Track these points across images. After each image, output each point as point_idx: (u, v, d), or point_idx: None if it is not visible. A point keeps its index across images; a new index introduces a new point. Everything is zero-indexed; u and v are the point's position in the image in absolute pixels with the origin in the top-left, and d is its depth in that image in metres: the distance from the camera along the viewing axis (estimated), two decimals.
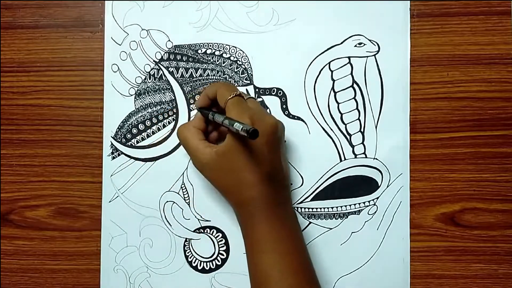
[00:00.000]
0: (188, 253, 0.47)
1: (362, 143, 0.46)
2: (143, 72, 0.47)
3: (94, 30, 0.47)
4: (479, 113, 0.46)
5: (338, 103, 0.46)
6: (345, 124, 0.46)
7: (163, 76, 0.47)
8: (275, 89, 0.47)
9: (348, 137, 0.46)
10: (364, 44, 0.46)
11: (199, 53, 0.47)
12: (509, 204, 0.46)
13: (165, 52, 0.47)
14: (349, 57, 0.46)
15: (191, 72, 0.47)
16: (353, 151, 0.46)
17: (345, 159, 0.46)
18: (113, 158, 0.47)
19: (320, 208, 0.46)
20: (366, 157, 0.46)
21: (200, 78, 0.47)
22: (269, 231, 0.40)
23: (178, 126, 0.44)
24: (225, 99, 0.40)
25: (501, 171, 0.46)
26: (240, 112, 0.39)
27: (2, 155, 0.48)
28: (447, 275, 0.46)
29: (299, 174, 0.46)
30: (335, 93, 0.46)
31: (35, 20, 0.48)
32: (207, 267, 0.47)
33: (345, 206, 0.46)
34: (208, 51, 0.47)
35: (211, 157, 0.40)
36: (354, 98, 0.46)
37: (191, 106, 0.47)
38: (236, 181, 0.40)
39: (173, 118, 0.47)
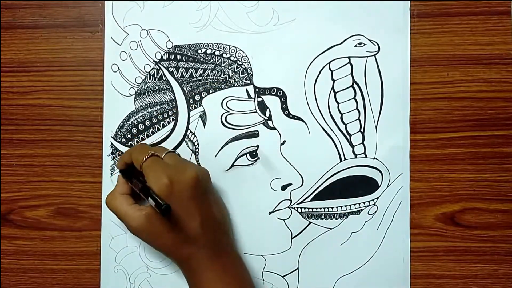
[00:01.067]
0: None
1: (362, 143, 0.46)
2: (143, 72, 0.47)
3: (94, 30, 0.47)
4: (479, 113, 0.46)
5: (338, 103, 0.46)
6: (345, 124, 0.46)
7: (163, 76, 0.47)
8: (275, 89, 0.47)
9: (348, 137, 0.46)
10: (364, 44, 0.46)
11: (199, 53, 0.47)
12: (509, 204, 0.46)
13: (165, 52, 0.47)
14: (349, 57, 0.46)
15: (191, 72, 0.47)
16: (353, 151, 0.46)
17: (345, 159, 0.46)
18: (113, 158, 0.47)
19: (320, 208, 0.46)
20: (366, 157, 0.46)
21: (200, 78, 0.47)
22: (215, 282, 0.40)
23: (106, 196, 0.43)
24: (139, 163, 0.40)
25: (501, 171, 0.46)
26: (157, 173, 0.39)
27: (2, 155, 0.48)
28: (447, 275, 0.46)
29: (299, 174, 0.46)
30: (335, 93, 0.46)
31: (35, 20, 0.48)
32: None
33: (345, 206, 0.46)
34: (208, 51, 0.47)
35: (141, 221, 0.39)
36: (354, 98, 0.46)
37: (191, 106, 0.47)
38: (171, 240, 0.39)
39: (173, 118, 0.47)
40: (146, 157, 0.40)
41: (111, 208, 0.42)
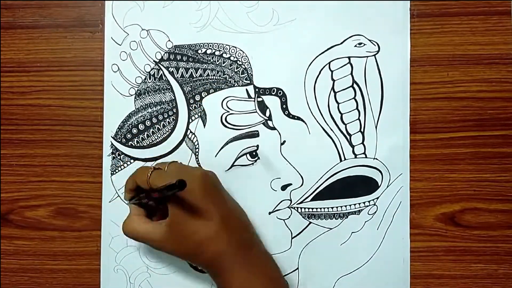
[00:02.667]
0: None
1: (362, 143, 0.46)
2: (143, 72, 0.47)
3: (94, 30, 0.47)
4: (479, 113, 0.46)
5: (338, 103, 0.46)
6: (345, 124, 0.46)
7: (163, 76, 0.47)
8: (275, 89, 0.47)
9: (348, 137, 0.46)
10: (364, 44, 0.46)
11: (199, 53, 0.47)
12: (509, 204, 0.46)
13: (165, 52, 0.47)
14: (349, 57, 0.46)
15: (191, 72, 0.47)
16: (353, 151, 0.46)
17: (345, 159, 0.46)
18: (113, 158, 0.47)
19: (320, 208, 0.46)
20: (366, 157, 0.46)
21: (200, 78, 0.47)
22: (247, 279, 0.39)
23: (122, 224, 0.42)
24: (145, 181, 0.40)
25: (501, 171, 0.46)
26: (165, 180, 0.39)
27: (2, 155, 0.48)
28: (447, 275, 0.46)
29: (299, 174, 0.46)
30: (335, 93, 0.46)
31: (35, 20, 0.48)
32: None
33: (345, 206, 0.46)
34: (208, 51, 0.47)
35: (163, 232, 0.39)
36: (354, 98, 0.46)
37: (191, 106, 0.47)
38: (196, 243, 0.39)
39: (173, 118, 0.47)
40: (150, 172, 0.40)
41: (130, 232, 0.41)
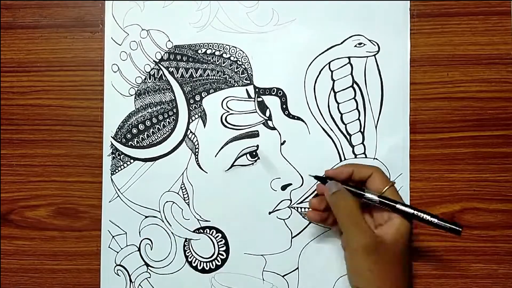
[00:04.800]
0: (188, 253, 0.47)
1: (362, 143, 0.46)
2: (143, 72, 0.47)
3: (94, 30, 0.47)
4: (479, 113, 0.46)
5: (338, 103, 0.46)
6: (345, 124, 0.46)
7: (163, 76, 0.47)
8: (275, 89, 0.47)
9: (348, 137, 0.46)
10: (364, 44, 0.46)
11: (199, 53, 0.47)
12: (509, 204, 0.46)
13: (165, 52, 0.47)
14: (349, 57, 0.46)
15: (191, 72, 0.47)
16: (353, 151, 0.46)
17: (345, 159, 0.46)
18: (113, 158, 0.47)
19: None
20: (366, 157, 0.46)
21: (200, 78, 0.47)
22: None
23: (329, 187, 0.40)
24: (381, 190, 0.39)
25: (501, 171, 0.46)
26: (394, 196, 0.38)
27: (2, 155, 0.48)
28: (447, 275, 0.46)
29: (299, 174, 0.46)
30: (335, 93, 0.46)
31: (35, 20, 0.48)
32: (207, 267, 0.47)
33: None
34: (208, 51, 0.47)
35: (366, 241, 0.37)
36: (354, 98, 0.46)
37: (191, 106, 0.47)
38: (394, 274, 0.37)
39: (173, 118, 0.47)
40: (389, 185, 0.39)
41: (342, 202, 0.39)
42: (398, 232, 0.38)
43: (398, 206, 0.38)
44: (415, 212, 0.38)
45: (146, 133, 0.47)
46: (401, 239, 0.38)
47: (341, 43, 0.46)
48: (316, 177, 0.42)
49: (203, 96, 0.47)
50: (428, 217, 0.37)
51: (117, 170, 0.47)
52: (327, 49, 0.46)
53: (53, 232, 0.48)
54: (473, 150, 0.46)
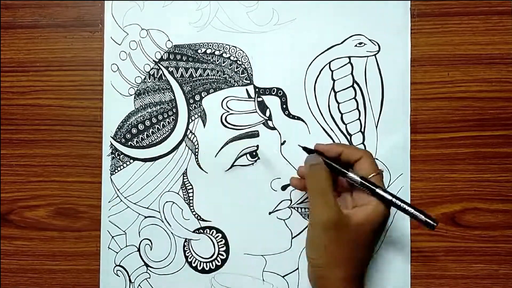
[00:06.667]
0: (188, 253, 0.47)
1: (363, 143, 0.46)
2: (143, 72, 0.47)
3: (94, 30, 0.47)
4: (480, 113, 0.46)
5: (338, 103, 0.46)
6: (346, 124, 0.46)
7: (162, 76, 0.47)
8: (275, 89, 0.46)
9: (349, 137, 0.46)
10: (365, 44, 0.46)
11: (199, 53, 0.47)
12: (510, 204, 0.46)
13: (165, 52, 0.47)
14: (349, 57, 0.46)
15: (191, 72, 0.47)
16: None
17: None
18: (113, 158, 0.47)
19: None
20: None
21: (200, 78, 0.47)
22: None
23: (308, 159, 0.40)
24: (370, 174, 0.39)
25: (502, 171, 0.46)
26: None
27: (1, 155, 0.48)
28: (448, 276, 0.46)
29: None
30: (335, 93, 0.46)
31: (35, 20, 0.48)
32: (207, 267, 0.47)
33: None
34: (208, 51, 0.47)
35: (327, 218, 0.36)
36: (355, 98, 0.46)
37: (191, 106, 0.47)
38: (334, 262, 0.37)
39: (172, 118, 0.47)
40: (373, 174, 0.39)
41: (317, 176, 0.38)
42: (367, 217, 0.37)
43: (377, 190, 0.38)
44: (393, 199, 0.37)
45: (145, 133, 0.47)
46: (369, 225, 0.37)
47: (342, 42, 0.46)
48: (305, 149, 0.42)
49: (203, 96, 0.47)
50: (405, 206, 0.37)
51: (116, 170, 0.47)
52: (328, 49, 0.46)
53: (53, 233, 0.47)
54: (473, 150, 0.46)
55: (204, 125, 0.47)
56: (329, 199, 0.37)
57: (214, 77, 0.47)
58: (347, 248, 0.37)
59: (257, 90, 0.47)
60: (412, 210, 0.37)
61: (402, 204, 0.37)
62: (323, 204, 0.37)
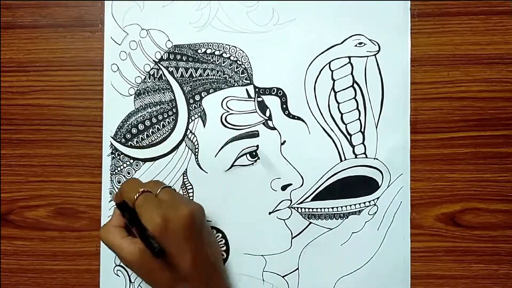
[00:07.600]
0: None
1: (363, 143, 0.46)
2: (143, 72, 0.47)
3: (94, 30, 0.47)
4: (480, 113, 0.46)
5: (338, 103, 0.46)
6: (346, 124, 0.46)
7: (162, 76, 0.47)
8: (275, 89, 0.46)
9: (349, 137, 0.46)
10: (365, 44, 0.46)
11: (199, 53, 0.47)
12: (510, 204, 0.46)
13: (165, 52, 0.47)
14: (349, 57, 0.46)
15: (191, 72, 0.47)
16: (353, 151, 0.46)
17: (345, 159, 0.46)
18: (113, 158, 0.47)
19: (320, 208, 0.46)
20: (366, 157, 0.46)
21: (200, 78, 0.47)
22: None
23: (101, 228, 0.42)
24: (132, 201, 0.39)
25: (502, 171, 0.46)
26: (150, 213, 0.38)
27: (2, 155, 0.48)
28: (448, 276, 0.46)
29: (299, 174, 0.46)
30: (335, 93, 0.46)
31: (35, 20, 0.48)
32: None
33: (346, 206, 0.46)
34: (208, 51, 0.47)
35: (135, 256, 0.38)
36: (355, 98, 0.46)
37: (191, 106, 0.47)
38: (163, 278, 0.39)
39: (172, 118, 0.47)
40: (137, 195, 0.39)
41: (104, 241, 0.41)
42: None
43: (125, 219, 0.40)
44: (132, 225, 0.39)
45: (145, 133, 0.47)
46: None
47: (341, 42, 0.46)
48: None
49: (203, 96, 0.47)
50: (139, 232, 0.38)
51: (116, 170, 0.47)
52: (327, 49, 0.46)
53: (53, 232, 0.47)
54: (473, 150, 0.46)
55: (204, 125, 0.47)
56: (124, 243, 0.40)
57: (214, 77, 0.47)
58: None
59: (257, 90, 0.47)
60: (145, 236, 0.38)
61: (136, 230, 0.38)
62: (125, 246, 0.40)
